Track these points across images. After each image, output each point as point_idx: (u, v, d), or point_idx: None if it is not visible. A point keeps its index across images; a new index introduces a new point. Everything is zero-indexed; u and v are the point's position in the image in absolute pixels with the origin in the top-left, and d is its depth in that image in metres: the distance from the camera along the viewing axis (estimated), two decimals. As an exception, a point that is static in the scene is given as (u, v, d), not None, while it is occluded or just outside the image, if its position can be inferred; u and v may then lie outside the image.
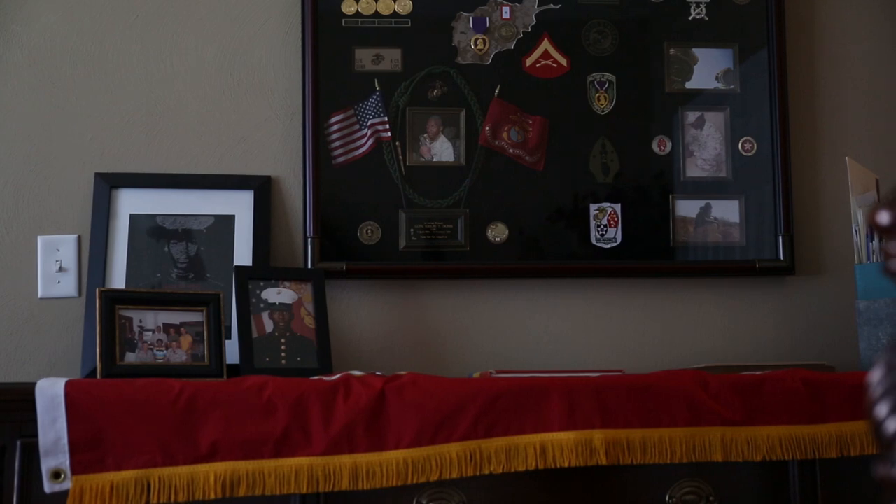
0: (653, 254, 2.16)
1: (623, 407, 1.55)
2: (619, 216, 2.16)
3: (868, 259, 2.00)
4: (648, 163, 2.18)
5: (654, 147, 2.19)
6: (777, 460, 1.57)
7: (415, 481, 1.49)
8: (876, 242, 1.99)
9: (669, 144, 2.19)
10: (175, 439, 1.48)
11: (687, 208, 2.18)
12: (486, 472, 1.50)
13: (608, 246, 2.16)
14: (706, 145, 2.20)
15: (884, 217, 0.66)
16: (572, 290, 2.16)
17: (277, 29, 2.15)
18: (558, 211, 2.15)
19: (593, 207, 2.16)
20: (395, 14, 2.16)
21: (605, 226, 2.16)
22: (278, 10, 2.15)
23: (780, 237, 2.17)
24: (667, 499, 1.56)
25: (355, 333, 2.10)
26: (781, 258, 2.17)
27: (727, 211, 2.19)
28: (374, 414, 1.51)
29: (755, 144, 2.21)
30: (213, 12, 2.14)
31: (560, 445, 1.50)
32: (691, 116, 2.20)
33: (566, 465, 1.50)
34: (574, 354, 2.12)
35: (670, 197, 2.18)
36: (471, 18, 2.17)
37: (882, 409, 0.65)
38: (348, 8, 2.15)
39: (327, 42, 2.12)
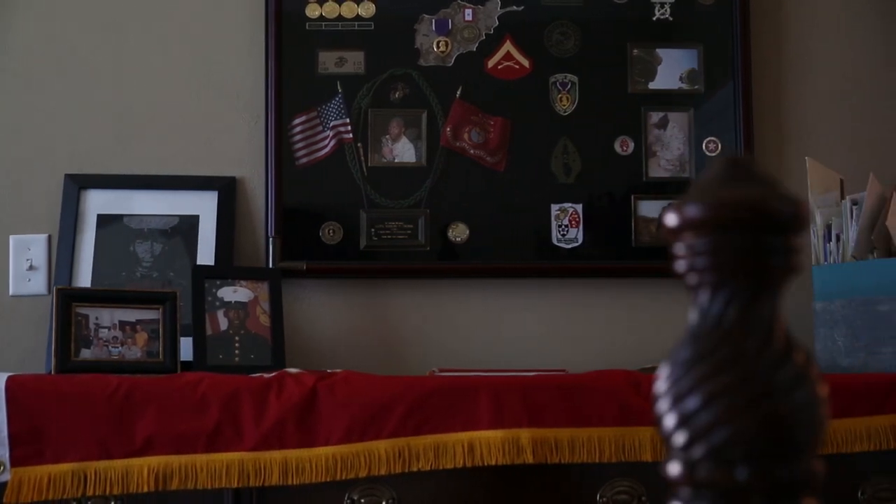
0: (614, 254, 2.17)
1: (552, 406, 1.56)
2: (581, 216, 2.17)
3: (825, 260, 1.99)
4: (611, 163, 2.18)
5: (617, 147, 2.19)
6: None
7: (344, 477, 1.52)
8: (833, 243, 1.98)
9: (632, 145, 2.19)
10: (111, 433, 1.52)
11: (649, 209, 2.18)
12: (415, 469, 1.53)
13: (569, 246, 2.17)
14: (669, 145, 2.20)
15: (671, 219, 0.67)
16: (533, 290, 2.17)
17: (243, 33, 2.19)
18: (519, 211, 2.16)
19: (555, 208, 2.17)
20: (358, 17, 2.19)
21: (566, 226, 2.17)
22: (244, 14, 2.19)
23: (743, 238, 2.16)
24: (598, 498, 1.57)
25: (315, 332, 2.13)
26: (744, 259, 2.16)
27: (690, 211, 2.18)
28: (306, 411, 1.54)
29: (719, 145, 2.20)
30: (181, 18, 2.19)
31: (487, 444, 1.52)
32: (654, 117, 2.21)
33: (493, 463, 1.52)
34: (535, 354, 2.13)
35: (632, 197, 2.18)
36: (433, 21, 2.19)
37: (663, 405, 0.66)
38: (312, 12, 2.18)
39: (291, 45, 2.16)
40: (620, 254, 2.17)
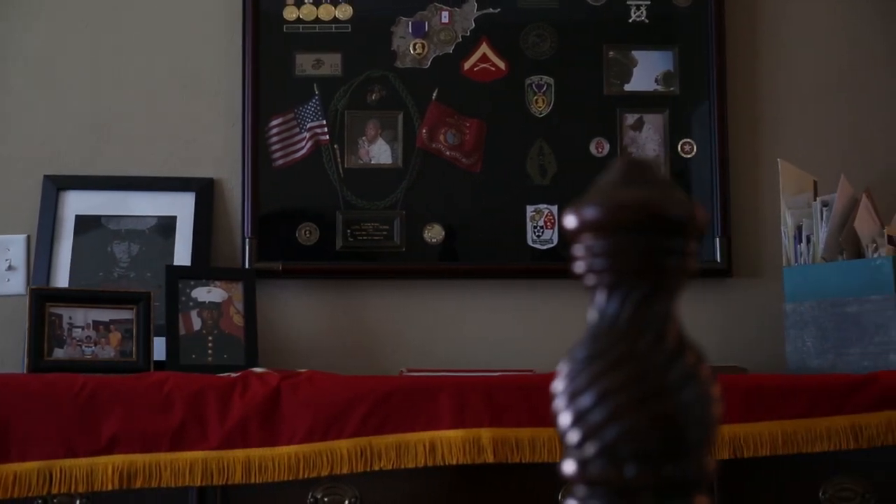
0: (589, 255, 2.17)
1: (514, 406, 1.57)
2: (556, 218, 2.18)
3: (796, 261, 2.00)
4: (586, 165, 2.19)
5: (592, 149, 2.20)
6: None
7: (306, 476, 1.53)
8: (804, 245, 1.99)
9: (607, 146, 2.20)
10: (77, 432, 1.54)
11: (624, 210, 2.18)
12: (377, 468, 1.54)
13: (545, 247, 2.18)
14: (645, 147, 2.21)
15: (570, 221, 0.69)
16: (508, 291, 2.18)
17: (221, 35, 2.20)
18: (495, 212, 2.17)
19: (530, 209, 2.18)
20: (335, 20, 2.20)
21: (541, 227, 2.18)
22: (221, 17, 2.21)
23: (718, 239, 2.17)
24: (559, 498, 1.58)
25: (291, 332, 2.14)
26: (718, 260, 2.17)
27: (665, 213, 2.19)
28: (269, 410, 1.56)
29: (694, 146, 2.21)
30: (160, 20, 2.21)
31: (449, 443, 1.53)
32: (630, 118, 2.21)
33: (454, 462, 1.53)
34: (509, 355, 2.14)
35: (607, 199, 2.18)
36: (410, 23, 2.21)
37: (560, 403, 0.67)
38: (290, 14, 2.19)
39: (268, 47, 2.17)
40: (596, 255, 2.17)
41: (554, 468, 1.59)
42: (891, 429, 1.57)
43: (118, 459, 1.52)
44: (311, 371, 1.65)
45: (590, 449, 0.65)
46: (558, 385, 0.68)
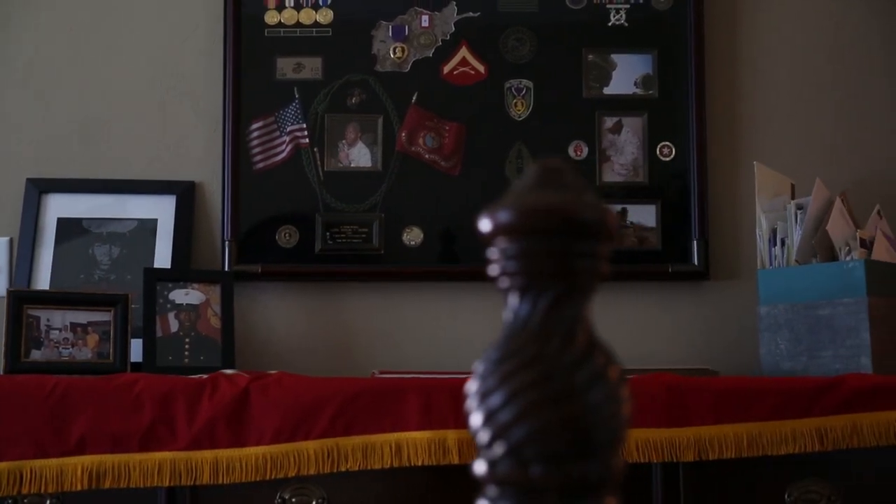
0: (568, 258, 2.18)
1: (480, 407, 1.57)
2: (535, 221, 2.18)
3: (771, 264, 2.00)
4: (565, 168, 2.20)
5: (571, 152, 2.21)
6: (637, 463, 1.59)
7: (273, 477, 1.54)
8: (778, 248, 1.99)
9: (586, 149, 2.21)
10: (47, 432, 1.55)
11: (603, 213, 2.19)
12: (343, 469, 1.55)
13: (523, 250, 2.18)
14: (623, 150, 2.22)
15: (485, 224, 0.69)
16: (486, 294, 2.18)
17: (202, 40, 2.22)
18: (473, 215, 2.17)
19: (509, 212, 2.18)
20: (316, 24, 2.22)
21: (520, 230, 2.18)
22: (203, 21, 2.22)
23: (696, 242, 2.18)
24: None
25: (271, 335, 2.16)
26: (696, 263, 2.18)
27: (644, 216, 2.20)
28: (237, 411, 1.57)
29: (673, 149, 2.22)
30: (141, 24, 2.22)
31: (415, 444, 1.54)
32: (609, 121, 2.22)
33: (420, 463, 1.54)
34: (488, 357, 2.14)
35: (586, 202, 2.19)
36: (390, 27, 2.22)
37: (472, 403, 0.68)
38: (271, 18, 2.21)
39: (250, 52, 2.19)
40: (574, 258, 2.17)
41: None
42: (856, 431, 1.57)
43: (88, 460, 1.53)
44: (280, 372, 1.66)
45: (498, 449, 0.66)
46: (472, 385, 0.69)
